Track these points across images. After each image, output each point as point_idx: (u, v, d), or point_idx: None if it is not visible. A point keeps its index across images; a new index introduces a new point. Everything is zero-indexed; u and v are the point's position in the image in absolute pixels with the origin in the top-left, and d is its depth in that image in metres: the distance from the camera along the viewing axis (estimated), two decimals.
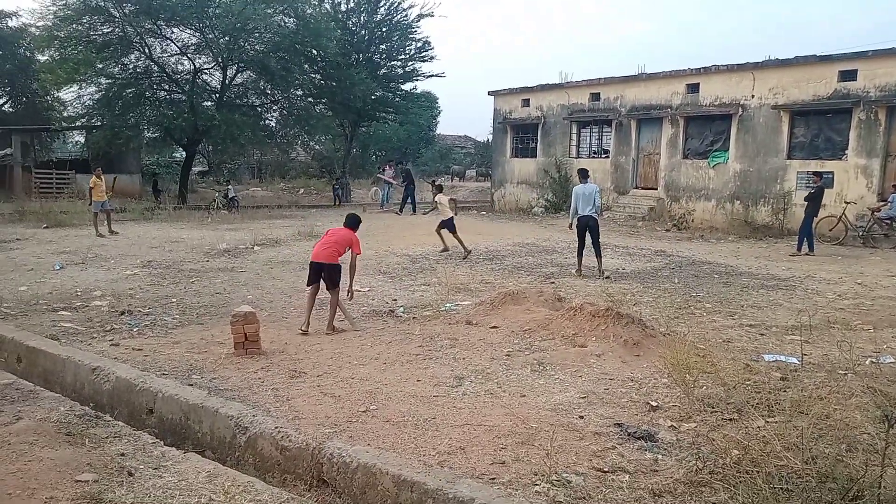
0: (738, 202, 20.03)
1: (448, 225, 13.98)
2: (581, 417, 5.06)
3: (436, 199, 14.82)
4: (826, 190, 17.77)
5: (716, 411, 4.98)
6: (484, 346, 6.95)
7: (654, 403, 5.28)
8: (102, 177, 17.55)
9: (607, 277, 11.49)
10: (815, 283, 11.47)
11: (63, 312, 8.86)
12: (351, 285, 8.27)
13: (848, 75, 17.64)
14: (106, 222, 17.11)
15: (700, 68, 21.27)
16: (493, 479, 4.05)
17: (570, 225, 12.09)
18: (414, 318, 8.55)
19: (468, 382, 5.94)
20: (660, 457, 4.38)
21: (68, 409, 5.19)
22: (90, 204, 17.09)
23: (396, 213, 24.58)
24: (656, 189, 22.56)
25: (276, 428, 4.93)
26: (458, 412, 5.22)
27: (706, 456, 4.28)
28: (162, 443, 4.85)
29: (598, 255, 11.76)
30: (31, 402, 5.33)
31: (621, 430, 4.81)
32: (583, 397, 5.49)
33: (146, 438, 4.79)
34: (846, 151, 17.78)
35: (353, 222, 8.30)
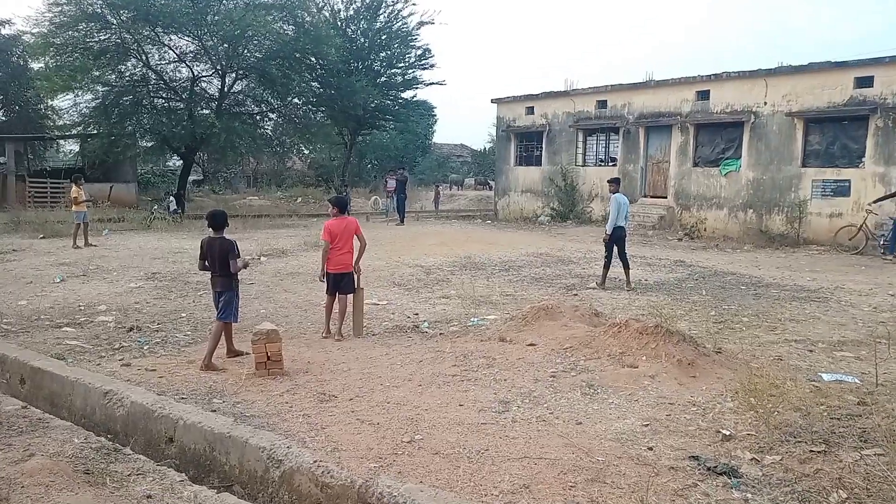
0: (752, 211, 19.65)
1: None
2: (650, 449, 4.61)
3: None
4: (843, 198, 17.54)
5: (799, 441, 4.53)
6: (524, 365, 6.49)
7: (726, 432, 4.82)
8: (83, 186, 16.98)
9: (633, 289, 11.07)
10: (846, 294, 11.08)
11: (67, 329, 8.35)
12: (358, 261, 8.18)
13: (864, 81, 17.28)
14: (81, 234, 16.27)
15: (710, 75, 20.92)
16: None
17: (606, 236, 11.39)
18: (441, 333, 8.09)
19: (515, 407, 5.47)
20: (750, 496, 3.93)
21: (83, 441, 4.70)
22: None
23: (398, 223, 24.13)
24: (666, 198, 22.17)
25: (315, 462, 4.45)
26: (512, 442, 4.76)
27: (805, 495, 3.83)
28: (189, 480, 4.37)
29: (626, 266, 11.29)
30: (41, 433, 4.85)
31: (699, 464, 4.35)
32: (645, 425, 5.04)
33: (173, 476, 4.31)
34: (863, 159, 17.41)
35: (343, 203, 8.43)
